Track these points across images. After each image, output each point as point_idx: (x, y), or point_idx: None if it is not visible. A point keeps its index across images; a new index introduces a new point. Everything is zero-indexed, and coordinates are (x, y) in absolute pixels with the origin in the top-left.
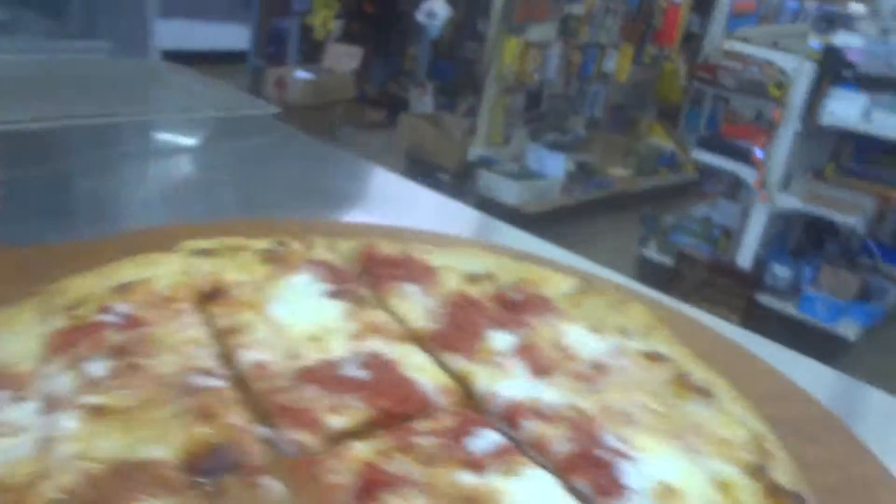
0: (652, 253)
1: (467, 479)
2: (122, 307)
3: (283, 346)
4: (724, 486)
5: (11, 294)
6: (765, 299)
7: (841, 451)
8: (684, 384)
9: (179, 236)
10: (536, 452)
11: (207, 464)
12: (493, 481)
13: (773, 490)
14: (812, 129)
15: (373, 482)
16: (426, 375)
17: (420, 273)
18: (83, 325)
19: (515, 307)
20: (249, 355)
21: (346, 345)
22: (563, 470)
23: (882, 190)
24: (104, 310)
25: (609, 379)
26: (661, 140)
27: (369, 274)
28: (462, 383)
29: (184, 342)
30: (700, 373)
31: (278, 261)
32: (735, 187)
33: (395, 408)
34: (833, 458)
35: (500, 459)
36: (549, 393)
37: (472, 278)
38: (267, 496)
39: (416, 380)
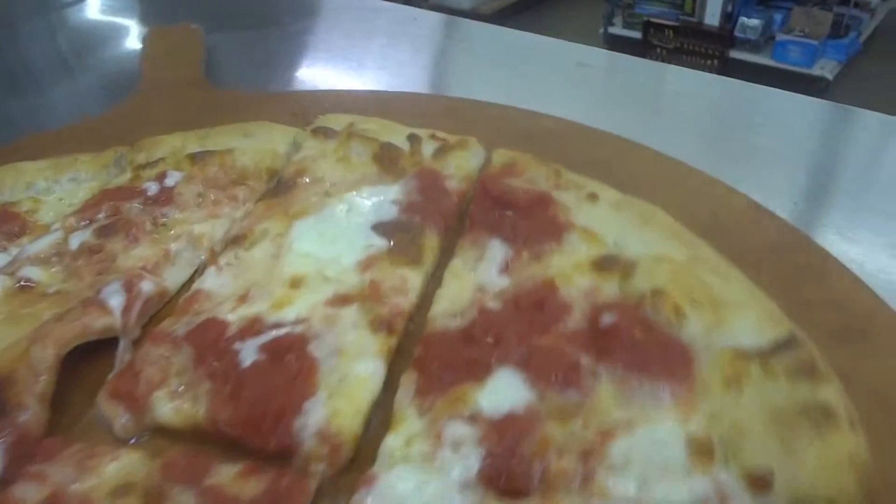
0: (618, 29)
1: None
2: (173, 177)
3: (255, 279)
4: None
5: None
6: (738, 54)
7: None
8: None
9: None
10: None
11: None
12: None
13: None
14: None
15: None
16: None
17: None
18: (117, 189)
19: None
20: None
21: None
22: None
23: None
24: (160, 177)
25: None
26: None
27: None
28: None
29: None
30: None
31: (388, 162)
32: None
33: None
34: None
35: None
36: None
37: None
38: None
39: None
